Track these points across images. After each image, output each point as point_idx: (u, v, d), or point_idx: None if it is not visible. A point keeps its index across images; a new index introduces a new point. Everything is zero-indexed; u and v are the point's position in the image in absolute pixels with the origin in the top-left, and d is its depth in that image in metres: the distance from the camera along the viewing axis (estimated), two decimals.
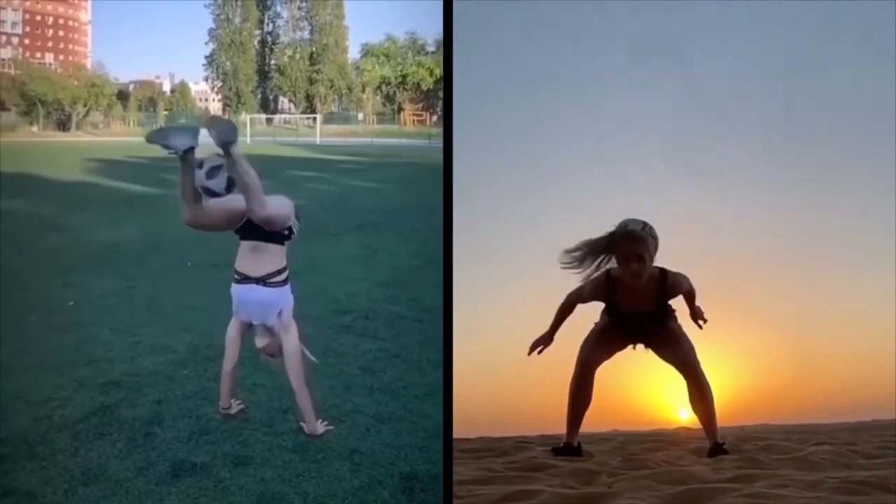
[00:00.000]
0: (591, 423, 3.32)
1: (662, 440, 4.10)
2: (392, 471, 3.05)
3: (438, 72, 40.19)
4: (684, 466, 2.92)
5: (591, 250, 3.14)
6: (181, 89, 42.44)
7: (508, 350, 4.76)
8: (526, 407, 4.49)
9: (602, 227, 3.24)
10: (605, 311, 3.41)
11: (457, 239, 3.09)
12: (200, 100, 43.56)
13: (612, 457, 3.30)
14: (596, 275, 3.21)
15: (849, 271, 5.07)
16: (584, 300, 3.34)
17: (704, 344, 3.34)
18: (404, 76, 40.93)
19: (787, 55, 5.22)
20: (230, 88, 41.85)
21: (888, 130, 4.29)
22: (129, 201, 11.70)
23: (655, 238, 3.10)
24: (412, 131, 36.81)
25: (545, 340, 3.39)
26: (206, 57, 42.77)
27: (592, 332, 3.39)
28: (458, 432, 2.94)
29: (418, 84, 40.62)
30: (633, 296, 3.19)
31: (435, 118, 40.43)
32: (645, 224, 3.09)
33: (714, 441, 3.28)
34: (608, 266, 3.18)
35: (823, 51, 5.11)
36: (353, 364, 4.28)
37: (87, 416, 3.45)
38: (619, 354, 3.40)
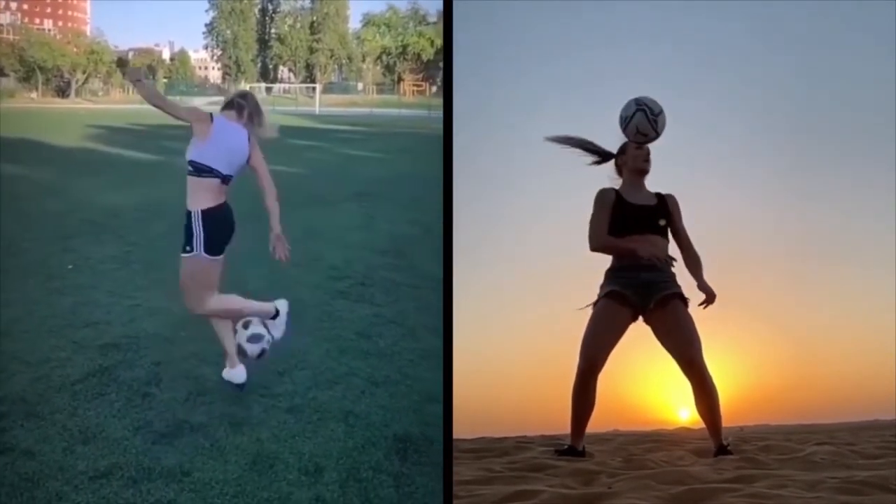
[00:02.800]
0: (592, 423, 3.26)
1: (662, 440, 4.08)
2: (386, 432, 3.06)
3: (439, 42, 39.73)
4: (684, 466, 2.89)
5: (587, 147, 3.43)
6: (181, 57, 41.99)
7: (508, 350, 4.75)
8: (526, 407, 4.50)
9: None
10: (603, 286, 3.28)
11: (457, 236, 3.03)
12: (200, 68, 43.12)
13: (612, 457, 3.26)
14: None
15: (849, 271, 5.06)
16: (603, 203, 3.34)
17: (706, 344, 3.23)
18: (405, 46, 40.47)
19: (788, 56, 5.13)
20: (230, 57, 41.39)
21: (888, 131, 4.24)
22: (128, 168, 11.62)
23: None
24: (412, 101, 36.52)
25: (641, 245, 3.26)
26: (206, 25, 42.23)
27: (588, 326, 3.21)
28: (458, 432, 2.91)
29: (419, 54, 40.18)
30: (634, 192, 3.34)
31: (434, 89, 40.08)
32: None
33: (719, 443, 3.16)
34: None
35: (824, 51, 5.03)
36: (349, 329, 4.29)
37: (86, 377, 3.45)
38: (618, 354, 3.22)
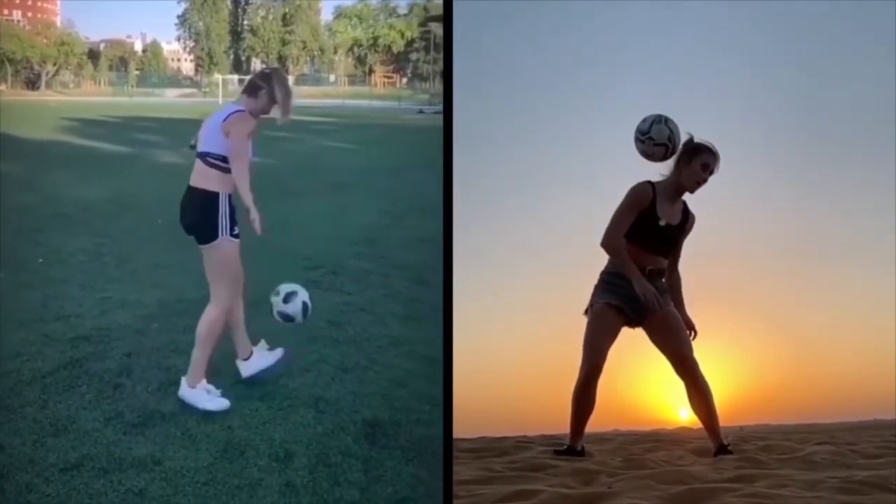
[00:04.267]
0: (592, 423, 3.22)
1: (662, 440, 4.04)
2: (355, 417, 3.06)
3: (409, 34, 39.51)
4: (684, 466, 2.87)
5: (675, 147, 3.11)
6: (153, 49, 41.08)
7: (508, 350, 4.70)
8: (526, 407, 4.44)
9: (604, 218, 3.18)
10: (599, 290, 3.19)
11: (456, 236, 2.95)
12: (172, 60, 42.23)
13: (612, 456, 3.23)
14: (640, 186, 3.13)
15: (849, 271, 4.97)
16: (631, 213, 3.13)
17: (705, 343, 3.21)
18: (376, 38, 40.17)
19: (789, 56, 5.06)
20: (202, 49, 40.64)
21: (888, 130, 4.17)
22: (99, 160, 11.37)
23: None
24: (382, 93, 36.34)
25: (647, 287, 3.06)
26: (178, 16, 41.35)
27: (589, 329, 3.14)
28: (458, 432, 2.85)
29: (389, 46, 39.90)
30: (669, 207, 3.15)
31: (405, 80, 39.88)
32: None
33: (719, 443, 3.13)
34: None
35: (825, 51, 4.93)
36: (320, 317, 4.24)
37: (56, 370, 3.38)
38: (618, 354, 3.18)
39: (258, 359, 3.31)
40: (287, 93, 3.19)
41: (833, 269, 5.07)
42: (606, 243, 3.14)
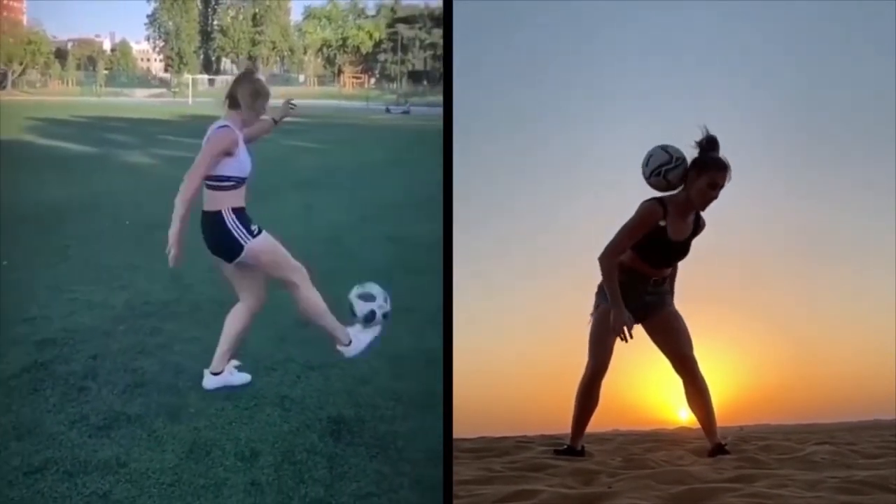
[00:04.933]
0: (592, 423, 3.19)
1: (662, 440, 4.00)
2: (320, 415, 3.05)
3: (377, 35, 39.33)
4: (684, 466, 2.84)
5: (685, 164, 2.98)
6: (122, 48, 40.18)
7: (508, 350, 4.58)
8: (526, 407, 4.34)
9: (608, 227, 3.10)
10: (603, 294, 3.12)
11: (455, 236, 2.88)
12: (142, 59, 41.35)
13: (612, 456, 3.21)
14: (648, 203, 3.00)
15: (849, 271, 4.89)
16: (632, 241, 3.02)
17: (706, 343, 3.18)
18: (345, 39, 39.90)
19: (789, 56, 4.93)
20: (172, 48, 39.86)
21: (888, 130, 4.10)
22: (66, 161, 11.09)
23: None
24: (351, 93, 36.14)
25: (623, 317, 3.00)
26: (147, 16, 40.48)
27: (595, 330, 3.11)
28: (458, 432, 2.78)
29: (358, 47, 39.67)
30: (680, 223, 3.04)
31: (373, 80, 39.69)
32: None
33: (715, 442, 3.09)
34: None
35: (825, 51, 4.82)
36: (288, 317, 4.23)
37: (21, 373, 3.31)
38: (619, 354, 3.13)
39: (227, 375, 3.28)
40: (253, 94, 3.11)
41: (833, 269, 4.97)
42: (603, 262, 3.06)
